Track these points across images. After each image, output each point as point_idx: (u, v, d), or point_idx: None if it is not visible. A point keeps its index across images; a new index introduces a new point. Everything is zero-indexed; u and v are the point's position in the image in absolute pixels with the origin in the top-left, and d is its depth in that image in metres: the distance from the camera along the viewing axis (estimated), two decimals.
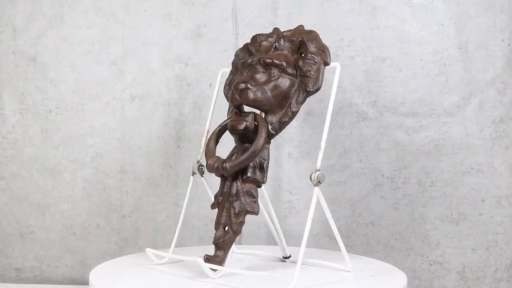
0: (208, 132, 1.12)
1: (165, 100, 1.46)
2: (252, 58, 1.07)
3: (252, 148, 1.01)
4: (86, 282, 1.09)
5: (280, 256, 1.16)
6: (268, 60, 1.06)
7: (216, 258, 0.99)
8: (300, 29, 1.12)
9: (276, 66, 1.06)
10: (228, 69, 1.15)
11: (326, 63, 1.08)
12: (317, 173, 1.01)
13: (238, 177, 1.03)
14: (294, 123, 1.42)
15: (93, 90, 1.47)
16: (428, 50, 1.38)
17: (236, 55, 1.14)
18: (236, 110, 1.06)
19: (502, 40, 1.36)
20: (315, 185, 1.01)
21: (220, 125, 1.08)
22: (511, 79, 1.36)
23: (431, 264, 1.38)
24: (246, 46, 1.13)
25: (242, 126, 1.03)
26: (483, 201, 1.36)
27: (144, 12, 1.46)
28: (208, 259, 0.99)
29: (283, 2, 1.42)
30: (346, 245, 1.40)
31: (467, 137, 1.37)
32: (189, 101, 1.44)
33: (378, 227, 1.40)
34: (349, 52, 1.40)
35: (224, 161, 1.03)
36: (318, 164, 1.02)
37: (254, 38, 1.13)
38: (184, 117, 1.45)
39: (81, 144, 1.47)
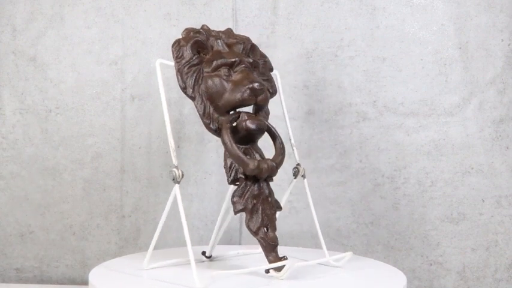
0: (170, 133, 1.05)
1: (165, 100, 1.45)
2: (241, 58, 1.06)
3: (283, 147, 1.06)
4: (86, 282, 1.09)
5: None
6: (261, 62, 1.10)
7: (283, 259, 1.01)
8: (233, 32, 1.13)
9: (258, 68, 1.10)
10: (165, 61, 1.08)
11: (271, 69, 1.14)
12: (301, 166, 1.12)
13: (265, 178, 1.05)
14: (294, 123, 1.42)
15: (93, 90, 1.47)
16: (428, 50, 1.38)
17: (180, 47, 1.06)
18: (233, 110, 1.06)
19: (502, 40, 1.36)
20: (304, 177, 1.12)
21: (230, 125, 1.03)
22: (511, 79, 1.36)
23: (431, 264, 1.38)
24: (198, 41, 1.07)
25: (265, 127, 1.06)
26: (483, 201, 1.36)
27: (144, 12, 1.46)
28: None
29: (283, 2, 1.42)
30: (345, 245, 1.41)
31: (467, 137, 1.37)
32: (189, 101, 1.44)
33: (378, 227, 1.40)
34: (349, 52, 1.40)
35: (271, 160, 1.03)
36: (298, 158, 1.13)
37: (199, 33, 1.09)
38: (184, 117, 1.45)
39: (81, 144, 1.47)
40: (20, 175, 1.48)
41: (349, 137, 1.40)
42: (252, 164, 1.01)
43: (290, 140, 1.16)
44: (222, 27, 1.42)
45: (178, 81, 1.06)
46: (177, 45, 1.06)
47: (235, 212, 1.02)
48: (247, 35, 1.42)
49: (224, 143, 1.02)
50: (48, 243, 1.48)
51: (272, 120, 1.41)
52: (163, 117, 1.45)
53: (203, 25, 1.11)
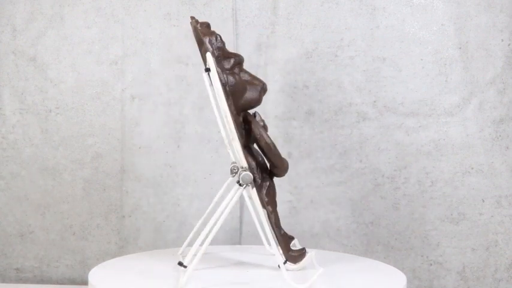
0: (236, 134, 0.99)
1: (165, 100, 1.46)
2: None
3: None
4: (86, 282, 1.09)
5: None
6: None
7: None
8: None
9: None
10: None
11: None
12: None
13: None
14: (294, 123, 1.42)
15: (93, 90, 1.47)
16: (428, 50, 1.38)
17: (212, 40, 1.03)
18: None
19: (502, 40, 1.36)
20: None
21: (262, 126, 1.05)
22: (511, 79, 1.36)
23: (431, 264, 1.38)
24: (217, 35, 1.05)
25: None
26: (483, 201, 1.36)
27: (144, 12, 1.46)
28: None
29: (283, 2, 1.42)
30: (345, 245, 1.41)
31: (467, 137, 1.37)
32: (189, 101, 1.44)
33: (378, 227, 1.39)
34: (349, 52, 1.40)
35: None
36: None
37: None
38: (184, 117, 1.45)
39: (81, 144, 1.47)
40: (20, 175, 1.48)
41: (349, 137, 1.40)
42: (286, 163, 1.03)
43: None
44: (222, 27, 1.43)
45: (221, 78, 1.01)
46: (210, 38, 1.02)
47: (272, 212, 1.03)
48: (247, 35, 1.43)
49: (267, 143, 1.01)
50: (48, 243, 1.48)
51: (272, 120, 1.41)
52: (165, 118, 1.46)
53: (191, 16, 1.08)
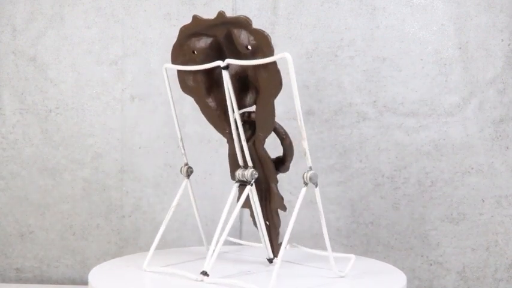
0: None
1: (165, 100, 1.46)
2: None
3: None
4: (86, 282, 1.09)
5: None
6: None
7: None
8: None
9: None
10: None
11: None
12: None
13: None
14: (294, 123, 1.42)
15: (93, 90, 1.47)
16: (428, 50, 1.38)
17: None
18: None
19: (502, 40, 1.36)
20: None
21: None
22: (511, 79, 1.36)
23: (431, 264, 1.38)
24: None
25: None
26: (483, 201, 1.36)
27: (144, 12, 1.46)
28: None
29: (283, 2, 1.42)
30: (345, 245, 1.41)
31: (467, 137, 1.37)
32: (189, 101, 1.44)
33: (378, 227, 1.40)
34: (349, 52, 1.40)
35: None
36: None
37: None
38: (184, 117, 1.45)
39: (81, 144, 1.47)
40: (20, 175, 1.48)
41: (349, 137, 1.40)
42: None
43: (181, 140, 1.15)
44: None
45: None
46: None
47: (285, 209, 1.06)
48: None
49: (291, 143, 1.07)
50: (48, 243, 1.48)
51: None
52: (165, 118, 1.46)
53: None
